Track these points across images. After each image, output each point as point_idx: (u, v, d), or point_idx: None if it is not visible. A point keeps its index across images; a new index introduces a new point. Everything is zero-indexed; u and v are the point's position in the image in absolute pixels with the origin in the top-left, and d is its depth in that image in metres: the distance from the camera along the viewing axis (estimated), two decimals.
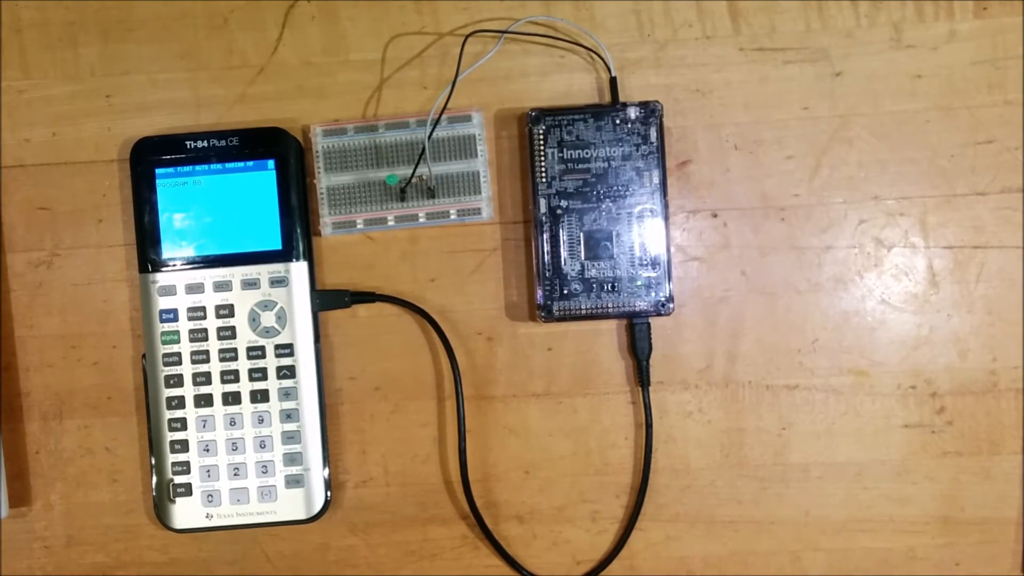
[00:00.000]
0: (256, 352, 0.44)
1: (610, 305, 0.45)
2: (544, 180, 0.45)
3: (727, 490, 0.47)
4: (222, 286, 0.45)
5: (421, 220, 0.46)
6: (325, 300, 0.45)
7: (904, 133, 0.46)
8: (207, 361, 0.44)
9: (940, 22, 0.46)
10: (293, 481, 0.45)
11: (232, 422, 0.44)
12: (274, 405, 0.44)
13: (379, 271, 0.47)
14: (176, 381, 0.44)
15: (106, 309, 0.47)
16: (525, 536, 0.47)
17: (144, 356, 0.45)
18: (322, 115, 0.46)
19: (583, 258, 0.45)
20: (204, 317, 0.44)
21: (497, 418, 0.47)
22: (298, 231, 0.45)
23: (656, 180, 0.45)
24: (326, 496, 0.45)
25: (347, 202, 0.46)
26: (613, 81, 0.45)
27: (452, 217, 0.46)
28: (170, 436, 0.44)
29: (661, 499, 0.47)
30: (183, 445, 0.44)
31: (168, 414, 0.44)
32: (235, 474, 0.44)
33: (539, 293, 0.45)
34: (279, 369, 0.44)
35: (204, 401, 0.44)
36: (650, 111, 0.45)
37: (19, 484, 0.47)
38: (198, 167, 0.45)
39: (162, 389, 0.44)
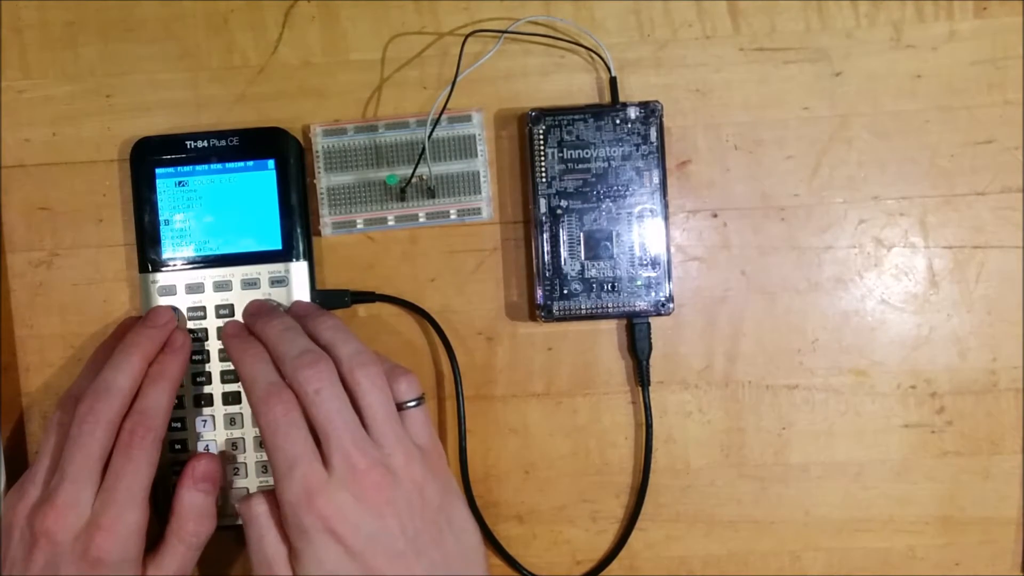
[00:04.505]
0: None
1: (610, 305, 0.45)
2: (544, 180, 0.45)
3: (727, 490, 0.47)
4: (222, 286, 0.44)
5: (421, 220, 0.46)
6: (325, 300, 0.45)
7: (904, 133, 0.46)
8: (207, 361, 0.44)
9: (940, 22, 0.46)
10: None
11: (232, 422, 0.44)
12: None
13: (379, 271, 0.47)
14: None
15: (106, 309, 0.47)
16: (525, 536, 0.47)
17: None
18: (322, 115, 0.46)
19: (583, 258, 0.45)
20: (204, 317, 0.44)
21: (497, 418, 0.47)
22: (298, 231, 0.45)
23: (656, 180, 0.45)
24: None
25: (347, 202, 0.46)
26: (613, 81, 0.45)
27: (452, 217, 0.46)
28: (170, 436, 0.44)
29: (661, 499, 0.47)
30: (183, 445, 0.44)
31: None
32: (235, 473, 0.44)
33: (539, 293, 0.45)
34: None
35: (204, 401, 0.44)
36: (650, 111, 0.45)
37: None
38: (198, 167, 0.45)
39: None
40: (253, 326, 0.41)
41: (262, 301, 0.44)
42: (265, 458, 0.44)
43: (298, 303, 0.44)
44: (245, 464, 0.44)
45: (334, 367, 0.38)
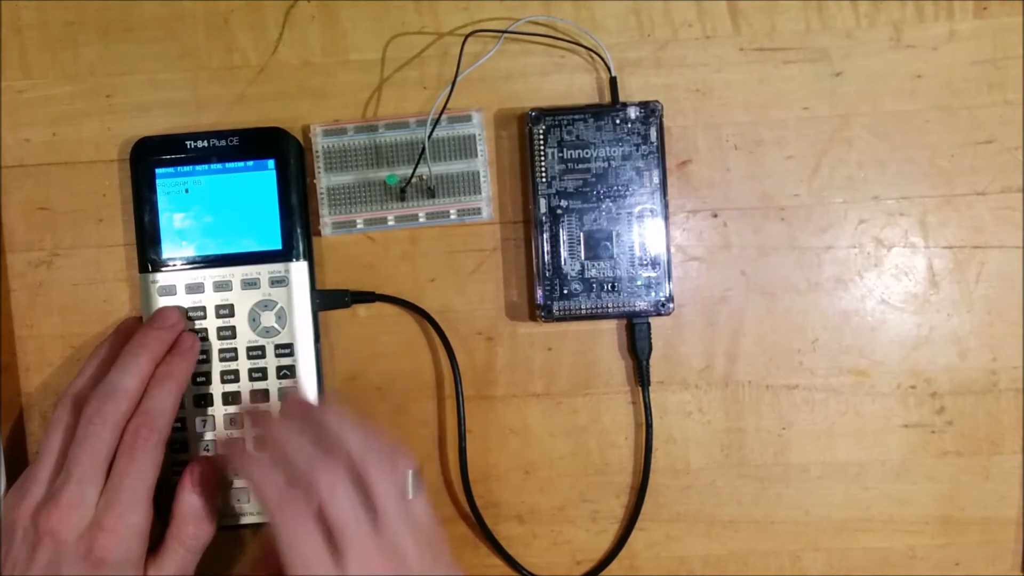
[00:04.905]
0: (256, 352, 0.44)
1: (610, 305, 0.45)
2: (544, 180, 0.45)
3: (727, 490, 0.47)
4: (222, 286, 0.44)
5: (421, 220, 0.46)
6: (325, 300, 0.45)
7: (904, 133, 0.46)
8: (207, 361, 0.44)
9: (940, 22, 0.46)
10: None
11: (232, 422, 0.44)
12: (274, 405, 0.44)
13: (379, 271, 0.47)
14: None
15: (106, 309, 0.47)
16: (525, 536, 0.47)
17: None
18: (322, 115, 0.46)
19: (583, 258, 0.45)
20: (204, 317, 0.44)
21: (497, 418, 0.47)
22: (298, 231, 0.45)
23: (656, 180, 0.45)
24: None
25: (347, 202, 0.46)
26: (613, 81, 0.45)
27: (452, 217, 0.46)
28: (170, 436, 0.44)
29: (661, 499, 0.47)
30: (183, 445, 0.44)
31: None
32: (235, 473, 0.44)
33: (539, 293, 0.45)
34: (279, 369, 0.44)
35: (204, 401, 0.44)
36: (650, 111, 0.45)
37: None
38: (198, 167, 0.45)
39: None
40: (262, 429, 0.42)
41: (256, 410, 0.44)
42: None
43: (296, 401, 0.43)
44: None
45: (345, 463, 0.38)
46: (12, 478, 0.42)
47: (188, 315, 0.44)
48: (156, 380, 0.41)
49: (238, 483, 0.44)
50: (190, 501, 0.41)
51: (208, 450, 0.44)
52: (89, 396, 0.39)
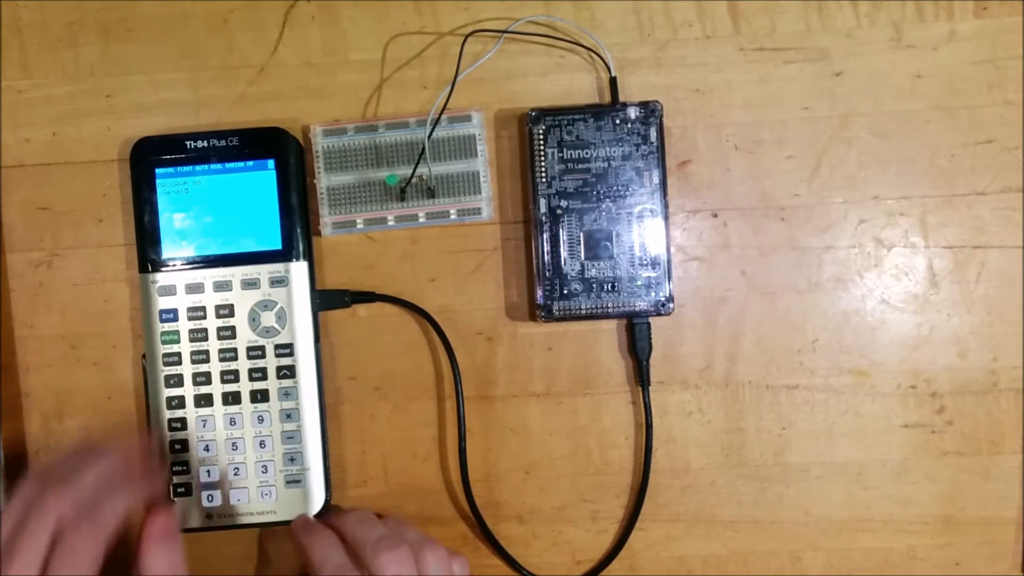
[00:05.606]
0: (256, 352, 0.44)
1: (610, 305, 0.45)
2: (544, 180, 0.45)
3: (727, 490, 0.47)
4: (222, 286, 0.44)
5: (421, 220, 0.46)
6: (325, 300, 0.45)
7: (904, 133, 0.46)
8: (207, 361, 0.44)
9: (940, 22, 0.46)
10: (293, 481, 0.45)
11: (232, 422, 0.44)
12: (274, 405, 0.44)
13: (379, 271, 0.47)
14: (176, 381, 0.44)
15: (106, 309, 0.47)
16: (525, 536, 0.47)
17: (144, 356, 0.45)
18: (322, 115, 0.46)
19: (583, 258, 0.45)
20: (204, 317, 0.44)
21: (497, 418, 0.47)
22: (298, 231, 0.45)
23: (656, 180, 0.45)
24: (326, 496, 0.45)
25: (347, 202, 0.46)
26: (613, 81, 0.45)
27: (452, 217, 0.46)
28: (170, 436, 0.44)
29: (661, 499, 0.47)
30: (183, 445, 0.44)
31: (168, 414, 0.44)
32: (235, 474, 0.44)
33: (539, 293, 0.45)
34: (279, 369, 0.44)
35: (204, 401, 0.44)
36: (650, 111, 0.45)
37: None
38: (198, 167, 0.45)
39: (162, 389, 0.44)
40: (330, 519, 0.43)
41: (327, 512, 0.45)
42: (265, 458, 0.44)
43: (359, 510, 0.45)
44: (245, 464, 0.44)
45: (411, 552, 0.40)
46: (12, 478, 0.42)
47: (186, 314, 0.44)
48: (118, 486, 0.38)
49: (238, 483, 0.44)
50: (156, 556, 0.38)
51: (208, 450, 0.44)
52: (47, 484, 0.37)
